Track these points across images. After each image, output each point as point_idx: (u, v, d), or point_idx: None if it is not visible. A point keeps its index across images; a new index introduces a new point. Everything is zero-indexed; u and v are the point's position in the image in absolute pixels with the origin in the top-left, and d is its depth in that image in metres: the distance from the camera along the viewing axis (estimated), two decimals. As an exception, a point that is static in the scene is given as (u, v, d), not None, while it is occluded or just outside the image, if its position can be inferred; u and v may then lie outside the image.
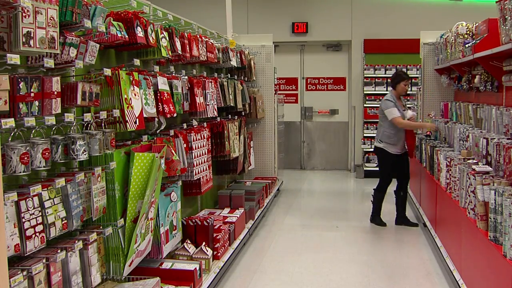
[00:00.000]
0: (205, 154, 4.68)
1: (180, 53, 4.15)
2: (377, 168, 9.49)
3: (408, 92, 6.56)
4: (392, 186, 6.39)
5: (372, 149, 9.71)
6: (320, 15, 10.34)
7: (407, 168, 6.40)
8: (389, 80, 9.73)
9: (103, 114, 3.03)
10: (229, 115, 6.21)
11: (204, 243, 4.29)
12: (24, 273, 2.29)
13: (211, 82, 4.96)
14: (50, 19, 2.37)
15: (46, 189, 2.47)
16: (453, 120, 6.09)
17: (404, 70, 6.51)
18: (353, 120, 10.25)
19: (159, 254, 3.73)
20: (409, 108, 6.45)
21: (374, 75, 9.89)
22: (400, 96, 6.22)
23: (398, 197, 6.32)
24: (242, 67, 6.53)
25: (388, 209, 6.64)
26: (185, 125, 4.48)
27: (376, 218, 6.40)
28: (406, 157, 6.32)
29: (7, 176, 2.32)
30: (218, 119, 5.42)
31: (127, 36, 3.23)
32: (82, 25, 2.70)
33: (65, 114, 2.65)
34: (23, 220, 2.30)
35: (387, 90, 9.78)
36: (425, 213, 6.07)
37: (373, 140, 9.68)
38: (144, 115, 3.41)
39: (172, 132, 4.05)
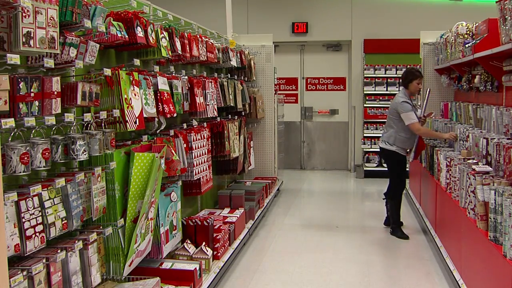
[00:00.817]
0: (205, 154, 4.69)
1: (180, 53, 4.15)
2: (378, 169, 9.62)
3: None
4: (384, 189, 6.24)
5: (372, 149, 9.74)
6: (320, 15, 10.34)
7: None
8: (389, 80, 9.77)
9: (103, 114, 3.03)
10: (229, 115, 6.21)
11: (204, 243, 4.29)
12: (24, 273, 2.29)
13: (211, 82, 4.96)
14: (50, 19, 2.38)
15: (46, 189, 2.47)
16: (453, 120, 6.09)
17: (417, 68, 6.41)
18: (353, 120, 10.25)
19: (159, 254, 3.73)
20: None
21: (374, 75, 9.88)
22: (411, 95, 5.87)
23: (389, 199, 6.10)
24: (242, 67, 6.53)
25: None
26: (185, 125, 4.48)
27: (397, 231, 5.85)
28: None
29: (7, 176, 2.32)
30: (218, 119, 5.43)
31: (127, 36, 3.23)
32: (82, 25, 2.70)
33: (65, 114, 2.65)
34: (23, 220, 2.30)
35: (387, 90, 9.80)
36: (425, 213, 6.06)
37: (373, 140, 9.71)
38: (144, 115, 3.41)
39: (172, 132, 4.05)
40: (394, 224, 5.93)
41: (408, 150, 5.85)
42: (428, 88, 6.57)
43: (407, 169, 7.52)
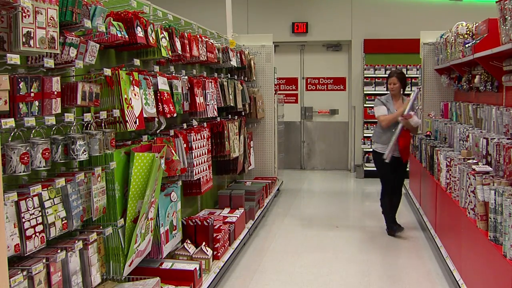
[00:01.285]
0: (205, 154, 4.68)
1: (180, 53, 4.16)
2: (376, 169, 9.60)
3: (407, 92, 6.45)
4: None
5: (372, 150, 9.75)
6: (320, 15, 10.34)
7: (402, 175, 5.94)
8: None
9: (103, 114, 3.03)
10: (229, 115, 6.21)
11: (204, 243, 4.29)
12: (24, 273, 2.29)
13: (211, 82, 4.96)
14: (50, 19, 2.37)
15: (46, 189, 2.47)
16: (453, 120, 6.09)
17: (400, 69, 6.34)
18: (353, 120, 10.25)
19: (159, 254, 3.73)
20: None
21: (374, 75, 9.89)
22: (393, 95, 5.82)
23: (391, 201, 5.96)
24: (242, 67, 6.53)
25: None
26: (185, 125, 4.48)
27: (391, 227, 5.87)
28: (402, 162, 5.85)
29: (7, 176, 2.32)
30: (218, 119, 5.43)
31: (127, 36, 3.23)
32: (82, 25, 2.70)
33: (65, 114, 2.65)
34: (23, 220, 2.30)
35: (387, 90, 9.74)
36: (425, 213, 6.07)
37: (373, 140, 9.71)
38: (144, 115, 3.41)
39: (172, 132, 4.05)
40: (388, 223, 5.95)
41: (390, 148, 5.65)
42: (416, 89, 6.29)
43: (407, 170, 7.49)
